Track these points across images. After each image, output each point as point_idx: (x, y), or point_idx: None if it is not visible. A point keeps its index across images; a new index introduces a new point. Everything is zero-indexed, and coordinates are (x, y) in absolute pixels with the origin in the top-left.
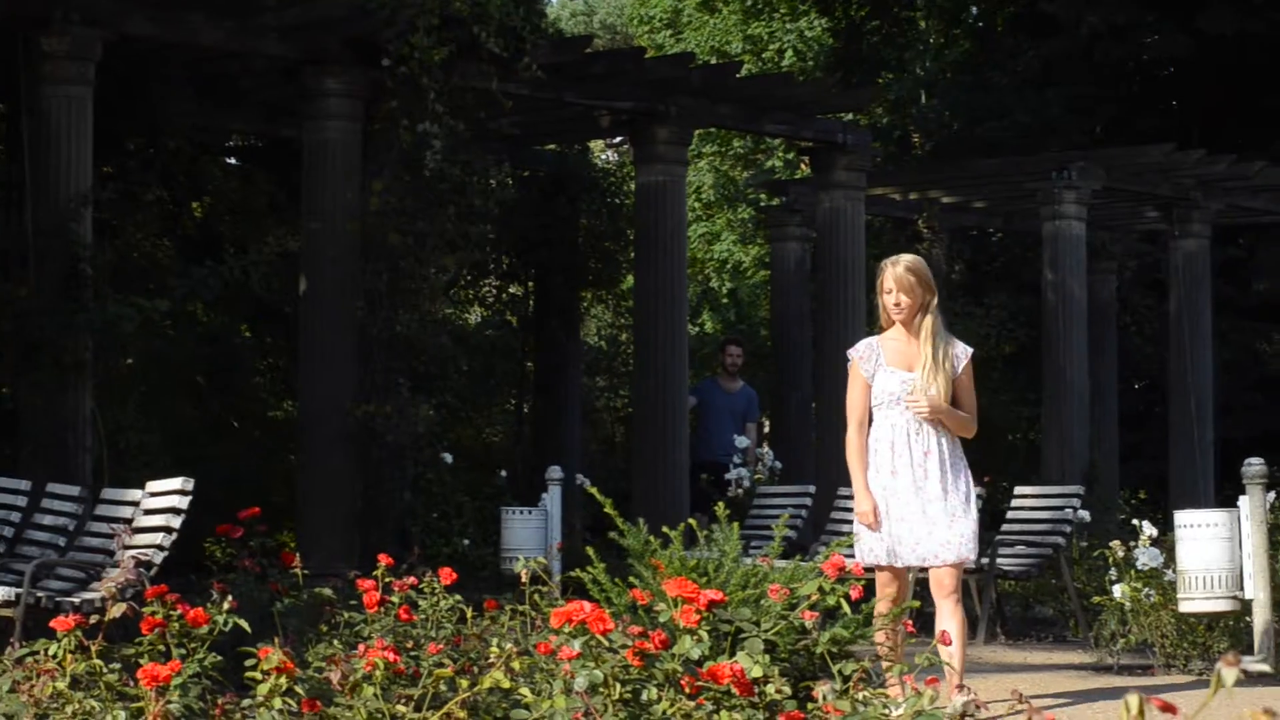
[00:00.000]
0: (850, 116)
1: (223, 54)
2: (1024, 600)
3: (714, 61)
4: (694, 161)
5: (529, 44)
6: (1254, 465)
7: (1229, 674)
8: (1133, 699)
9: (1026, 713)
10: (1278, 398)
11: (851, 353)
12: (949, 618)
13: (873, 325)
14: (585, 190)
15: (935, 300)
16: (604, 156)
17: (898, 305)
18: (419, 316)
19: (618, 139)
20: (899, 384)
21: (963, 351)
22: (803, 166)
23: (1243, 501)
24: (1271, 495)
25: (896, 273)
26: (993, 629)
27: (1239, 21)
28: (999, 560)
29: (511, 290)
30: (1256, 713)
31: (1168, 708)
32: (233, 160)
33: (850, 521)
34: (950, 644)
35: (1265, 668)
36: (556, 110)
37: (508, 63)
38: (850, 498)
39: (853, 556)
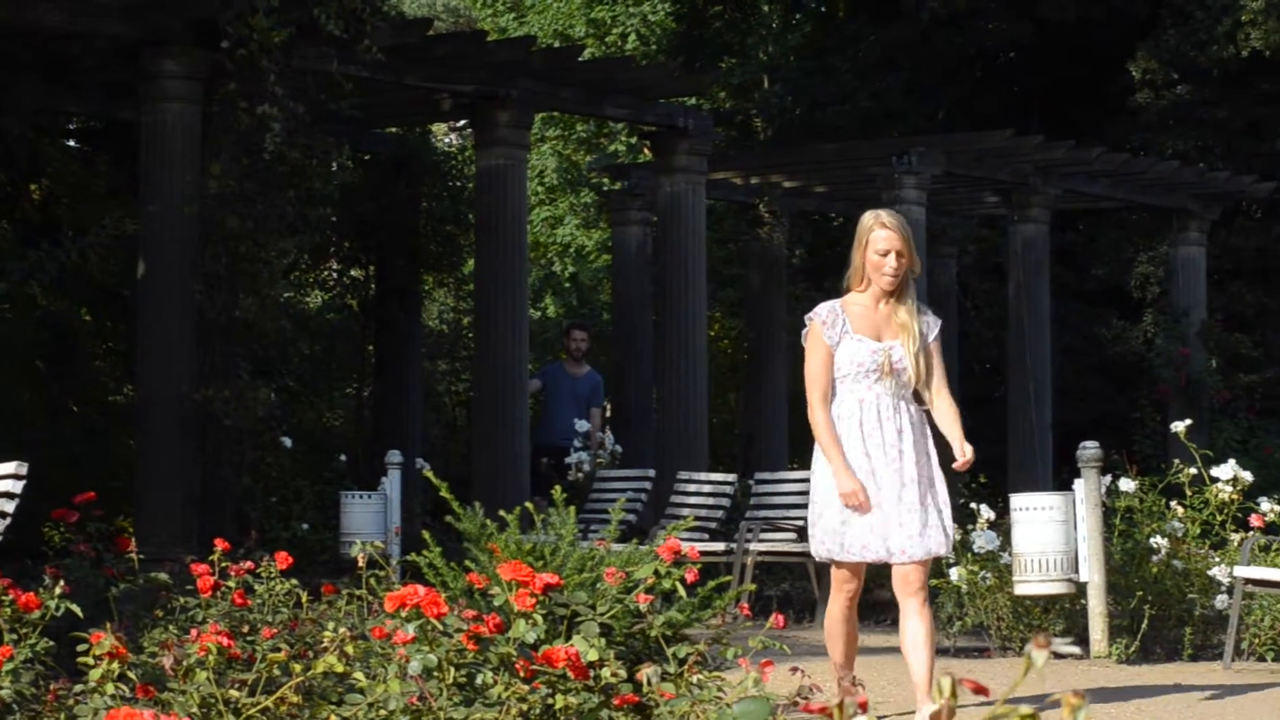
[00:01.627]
0: (693, 101)
1: (63, 34)
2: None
3: (556, 45)
4: (537, 145)
5: (369, 26)
6: (1089, 449)
7: (1039, 655)
8: (945, 680)
9: (841, 693)
10: (1115, 382)
11: (813, 316)
12: (915, 617)
13: (714, 310)
14: (426, 173)
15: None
16: (447, 140)
17: (896, 268)
18: (258, 300)
19: (460, 122)
20: (869, 354)
21: (933, 320)
22: (645, 151)
23: (1078, 484)
24: (1107, 478)
25: (893, 229)
26: None
27: (1079, 8)
28: None
29: (352, 274)
30: (1068, 694)
31: (979, 689)
32: (72, 142)
33: (689, 504)
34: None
35: (1076, 650)
36: (397, 93)
37: (348, 45)
38: (696, 483)
39: (691, 540)
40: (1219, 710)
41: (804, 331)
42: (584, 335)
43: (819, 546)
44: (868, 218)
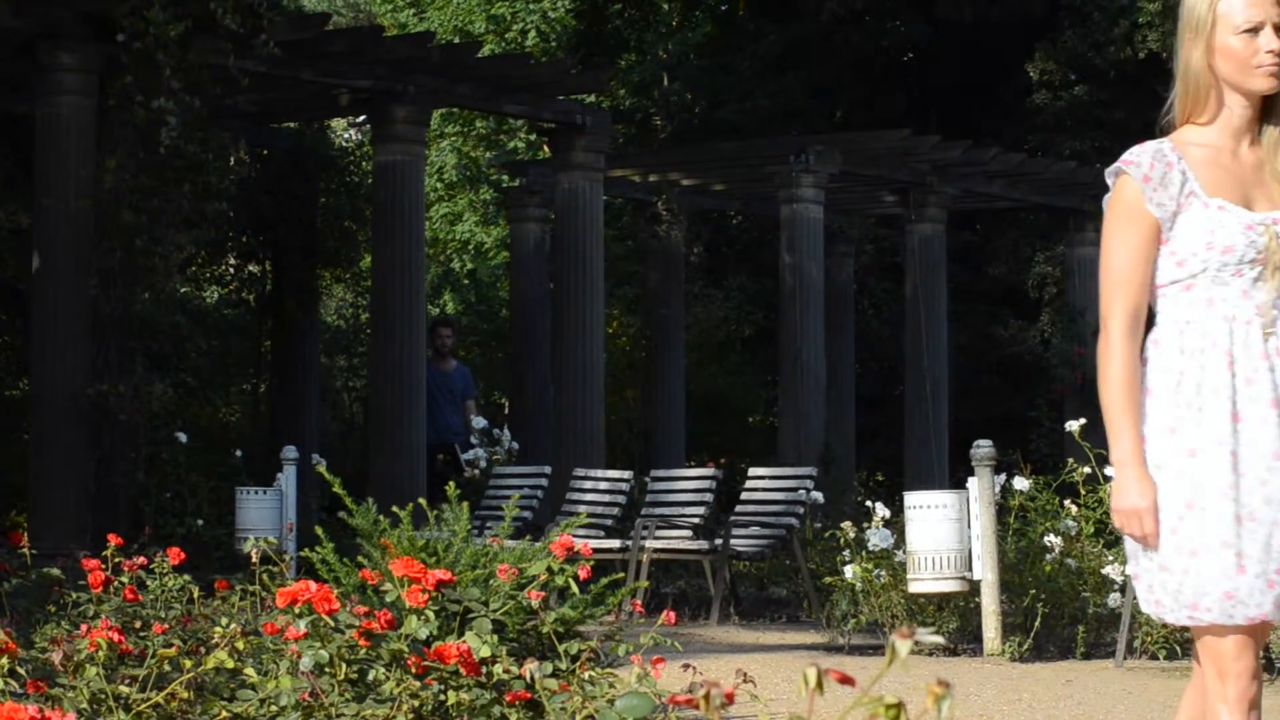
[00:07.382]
0: (591, 98)
1: None
2: (758, 581)
3: (455, 41)
4: (436, 142)
5: (266, 20)
6: (982, 448)
7: (902, 646)
8: (811, 671)
9: (708, 687)
10: (1011, 381)
11: (1125, 167)
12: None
13: (612, 307)
14: (324, 169)
15: None
16: (346, 135)
17: (1274, 53)
18: (154, 295)
19: (360, 118)
20: (1242, 232)
21: None
22: (545, 148)
23: (972, 483)
24: (1001, 477)
25: None
26: (726, 609)
27: (976, 9)
28: (733, 541)
29: (249, 269)
30: (931, 684)
31: (845, 680)
32: None
33: (585, 501)
34: None
35: (939, 640)
36: (295, 88)
37: (245, 39)
38: (592, 480)
39: (587, 537)
40: (1109, 706)
41: (1106, 198)
42: (449, 331)
43: (1153, 594)
44: None
